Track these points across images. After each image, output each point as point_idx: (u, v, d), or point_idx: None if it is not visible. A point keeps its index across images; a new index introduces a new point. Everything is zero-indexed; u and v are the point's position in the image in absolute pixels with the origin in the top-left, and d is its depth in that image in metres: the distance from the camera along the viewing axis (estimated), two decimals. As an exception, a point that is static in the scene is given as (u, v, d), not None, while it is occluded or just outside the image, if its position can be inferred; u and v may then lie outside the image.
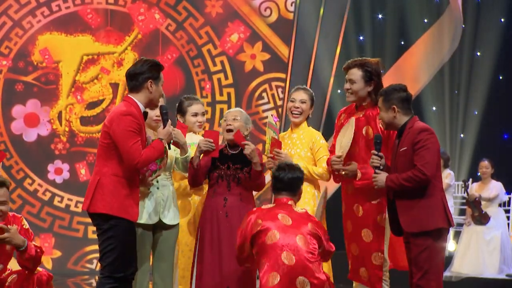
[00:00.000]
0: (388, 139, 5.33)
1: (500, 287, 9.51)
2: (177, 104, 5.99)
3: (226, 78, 11.26)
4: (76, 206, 10.83)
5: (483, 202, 9.88)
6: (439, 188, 5.01)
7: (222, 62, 11.25)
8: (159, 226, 5.40)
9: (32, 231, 5.35)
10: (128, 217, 4.85)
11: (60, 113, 11.00)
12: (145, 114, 4.98)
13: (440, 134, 12.03)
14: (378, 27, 11.91)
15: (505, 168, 10.79)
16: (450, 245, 10.22)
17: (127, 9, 11.10)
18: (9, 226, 5.01)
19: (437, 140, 5.01)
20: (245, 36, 11.26)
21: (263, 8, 11.26)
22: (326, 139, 5.97)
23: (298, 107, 5.83)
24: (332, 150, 5.63)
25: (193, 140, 5.85)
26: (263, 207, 5.05)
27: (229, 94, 11.22)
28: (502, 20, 12.24)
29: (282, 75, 11.29)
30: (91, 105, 11.08)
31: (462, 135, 12.22)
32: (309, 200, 5.68)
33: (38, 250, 5.09)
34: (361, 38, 11.79)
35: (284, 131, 6.03)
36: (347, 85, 5.54)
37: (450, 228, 5.11)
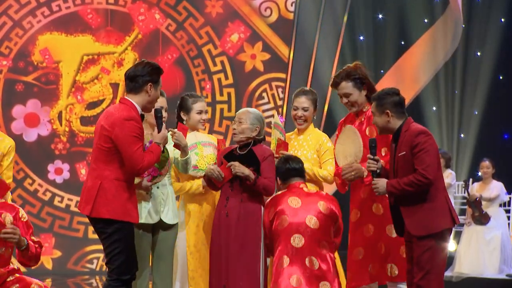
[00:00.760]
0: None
1: (500, 287, 9.51)
2: (178, 102, 5.95)
3: (226, 78, 11.26)
4: (76, 206, 10.83)
5: (483, 202, 9.88)
6: (442, 188, 5.00)
7: (222, 62, 11.25)
8: (159, 226, 5.39)
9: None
10: (131, 220, 4.85)
11: (60, 113, 11.00)
12: (142, 117, 4.97)
13: (440, 134, 12.03)
14: (378, 27, 11.92)
15: (505, 168, 10.79)
16: (451, 245, 10.21)
17: (127, 9, 11.10)
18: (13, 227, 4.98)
19: (434, 141, 4.99)
20: (245, 36, 11.26)
21: (263, 8, 11.26)
22: (327, 139, 5.99)
23: (301, 116, 5.82)
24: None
25: (198, 139, 5.84)
26: (277, 193, 5.39)
27: (229, 94, 11.22)
28: (502, 20, 12.24)
29: (282, 75, 11.29)
30: (91, 105, 11.08)
31: (462, 135, 12.22)
32: None
33: (37, 246, 5.08)
34: (361, 38, 11.79)
35: (289, 132, 6.01)
36: (344, 100, 5.55)
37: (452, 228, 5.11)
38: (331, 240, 5.30)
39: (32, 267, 5.25)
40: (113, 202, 4.79)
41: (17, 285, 5.02)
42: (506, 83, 12.21)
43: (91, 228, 10.74)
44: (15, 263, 5.16)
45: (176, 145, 5.32)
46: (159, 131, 4.99)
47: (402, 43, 11.98)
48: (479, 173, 10.35)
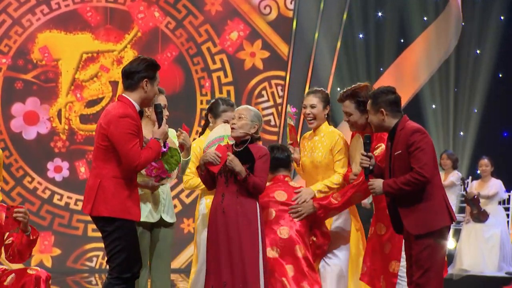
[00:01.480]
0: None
1: (500, 285, 9.52)
2: (211, 102, 5.91)
3: (226, 76, 11.26)
4: (75, 204, 10.83)
5: (482, 200, 9.88)
6: (439, 186, 4.99)
7: (221, 60, 11.25)
8: (158, 224, 5.41)
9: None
10: (131, 218, 4.85)
11: (59, 111, 11.00)
12: (141, 113, 4.96)
13: (440, 132, 12.04)
14: (378, 25, 11.91)
15: (504, 166, 10.79)
16: (450, 243, 10.21)
17: (126, 7, 11.10)
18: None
19: (430, 139, 4.98)
20: (245, 34, 11.26)
21: (263, 6, 11.26)
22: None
23: (309, 113, 5.83)
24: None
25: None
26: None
27: (228, 92, 11.21)
28: (502, 18, 12.24)
29: (282, 73, 11.28)
30: (91, 103, 11.08)
31: (461, 133, 12.22)
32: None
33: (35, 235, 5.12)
34: (360, 36, 11.79)
35: (307, 132, 6.04)
36: (345, 118, 5.58)
37: (451, 226, 5.11)
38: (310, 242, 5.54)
39: (24, 261, 5.25)
40: (112, 200, 4.78)
41: (13, 274, 5.02)
42: (506, 81, 12.22)
43: (90, 226, 10.74)
44: (4, 264, 5.17)
45: (181, 145, 5.34)
46: (159, 127, 4.98)
47: (402, 41, 11.98)
48: (478, 171, 10.36)
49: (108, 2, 11.06)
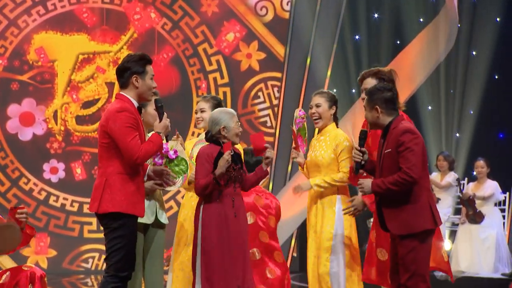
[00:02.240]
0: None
1: (496, 286, 9.52)
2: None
3: (222, 77, 11.26)
4: (71, 205, 10.81)
5: (478, 201, 9.89)
6: (426, 188, 4.99)
7: (218, 61, 11.25)
8: (152, 225, 5.46)
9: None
10: (136, 213, 4.89)
11: (55, 112, 10.99)
12: (139, 109, 4.98)
13: (436, 134, 12.04)
14: (374, 27, 11.91)
15: (500, 168, 10.79)
16: (446, 244, 10.21)
17: (122, 8, 11.09)
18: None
19: (421, 140, 4.97)
20: (241, 35, 11.25)
21: (259, 7, 11.26)
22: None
23: (314, 112, 5.89)
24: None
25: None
26: None
27: (225, 94, 11.21)
28: (498, 19, 12.24)
29: (278, 75, 11.28)
30: (87, 104, 11.07)
31: (457, 135, 12.23)
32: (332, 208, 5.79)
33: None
34: (356, 37, 11.79)
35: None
36: (363, 95, 5.51)
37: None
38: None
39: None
40: (118, 195, 4.82)
41: (8, 273, 5.03)
42: (502, 83, 12.22)
43: (86, 228, 10.72)
44: None
45: None
46: (160, 121, 5.01)
47: (398, 42, 11.97)
48: (474, 173, 10.36)
49: (104, 3, 11.05)
